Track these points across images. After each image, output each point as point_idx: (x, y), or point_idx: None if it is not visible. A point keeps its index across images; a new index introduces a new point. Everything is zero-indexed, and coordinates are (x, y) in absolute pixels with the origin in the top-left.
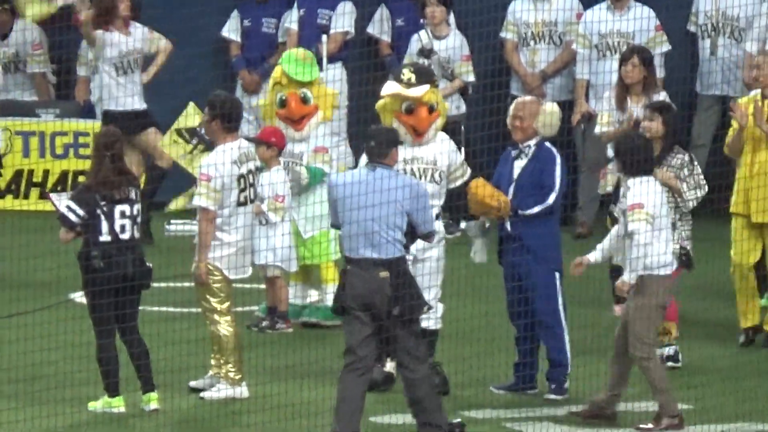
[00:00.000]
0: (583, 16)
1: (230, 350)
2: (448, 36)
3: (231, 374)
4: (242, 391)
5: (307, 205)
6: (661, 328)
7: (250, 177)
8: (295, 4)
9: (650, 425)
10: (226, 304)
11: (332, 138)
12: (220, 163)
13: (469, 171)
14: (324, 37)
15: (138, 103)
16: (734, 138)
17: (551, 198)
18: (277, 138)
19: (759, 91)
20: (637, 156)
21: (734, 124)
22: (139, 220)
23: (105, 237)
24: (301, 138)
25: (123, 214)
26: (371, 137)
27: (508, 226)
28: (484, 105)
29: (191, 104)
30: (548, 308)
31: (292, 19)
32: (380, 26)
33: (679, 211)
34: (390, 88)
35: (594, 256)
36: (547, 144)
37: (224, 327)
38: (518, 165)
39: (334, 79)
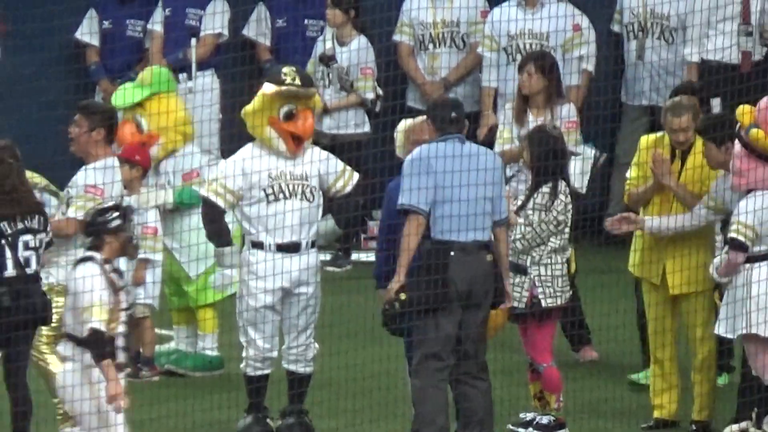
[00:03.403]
0: (489, 14)
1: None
2: (352, 42)
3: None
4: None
5: (190, 246)
6: (537, 392)
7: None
8: (160, 3)
9: None
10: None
11: (202, 157)
12: (109, 181)
13: (355, 176)
14: (193, 41)
15: None
16: (647, 191)
17: None
18: (142, 157)
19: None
20: None
21: (641, 170)
22: (41, 251)
23: (10, 272)
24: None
25: (27, 246)
26: (448, 108)
27: None
28: (379, 118)
29: None
30: None
31: (155, 20)
32: (258, 27)
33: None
34: (273, 86)
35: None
36: None
37: (51, 359)
38: None
39: (204, 88)
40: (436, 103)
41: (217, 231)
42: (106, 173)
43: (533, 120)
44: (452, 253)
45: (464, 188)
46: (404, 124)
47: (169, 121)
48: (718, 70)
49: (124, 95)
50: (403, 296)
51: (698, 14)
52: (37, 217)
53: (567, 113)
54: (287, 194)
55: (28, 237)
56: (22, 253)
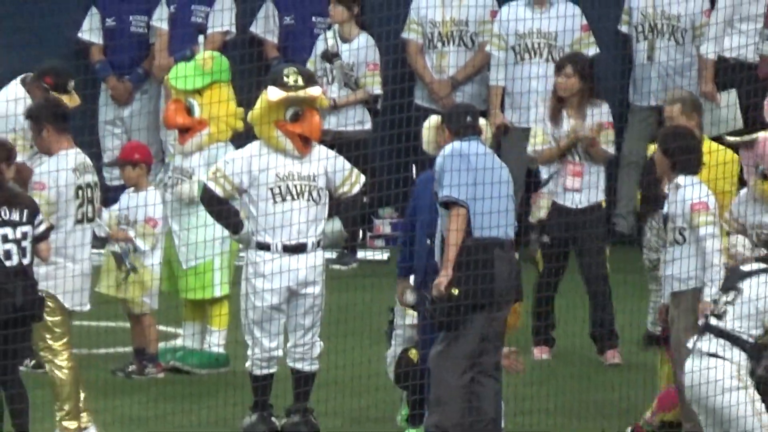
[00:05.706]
0: (498, 14)
1: (65, 396)
2: (355, 39)
3: (66, 423)
4: None
5: (189, 230)
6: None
7: (89, 191)
8: (164, 0)
9: None
10: (63, 341)
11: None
12: (55, 170)
13: (362, 178)
14: (200, 38)
15: None
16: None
17: None
18: (141, 154)
19: None
20: (693, 154)
21: None
22: (25, 243)
23: None
24: (184, 152)
25: (5, 238)
26: (463, 113)
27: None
28: (385, 116)
29: None
30: None
31: (161, 17)
32: (266, 24)
33: None
34: (277, 92)
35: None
36: None
37: (58, 368)
38: None
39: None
40: (451, 110)
41: (218, 217)
42: (51, 165)
43: (568, 119)
44: (495, 251)
45: (497, 185)
46: (435, 119)
47: (222, 112)
48: (735, 68)
49: (185, 79)
50: (455, 291)
51: (721, 12)
52: (19, 209)
53: (604, 114)
54: (294, 195)
55: (6, 230)
56: (2, 246)
